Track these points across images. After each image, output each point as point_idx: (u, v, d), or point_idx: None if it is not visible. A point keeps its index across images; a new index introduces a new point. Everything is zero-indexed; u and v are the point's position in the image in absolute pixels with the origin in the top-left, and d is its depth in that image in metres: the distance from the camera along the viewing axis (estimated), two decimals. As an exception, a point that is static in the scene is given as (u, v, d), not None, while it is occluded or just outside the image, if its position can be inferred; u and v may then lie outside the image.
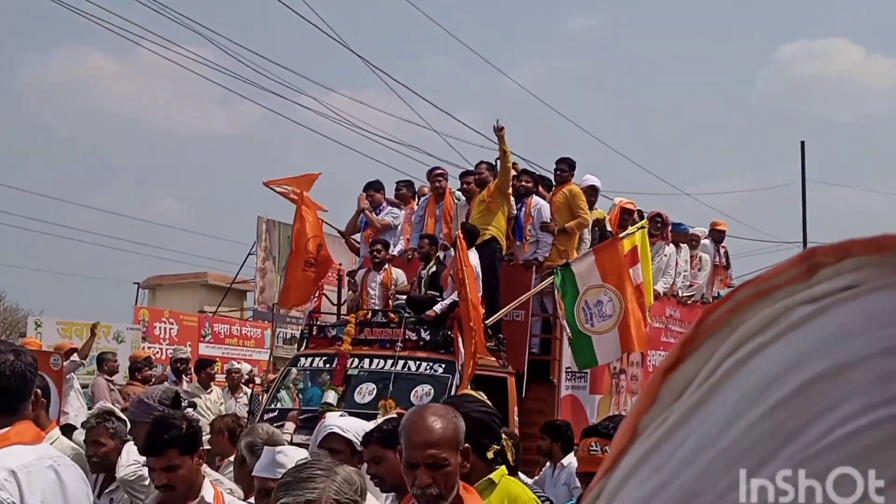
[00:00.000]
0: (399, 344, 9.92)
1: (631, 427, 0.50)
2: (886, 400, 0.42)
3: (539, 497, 4.92)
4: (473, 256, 9.54)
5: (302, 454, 3.93)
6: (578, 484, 5.88)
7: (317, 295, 10.78)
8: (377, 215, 11.13)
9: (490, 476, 4.16)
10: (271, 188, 10.63)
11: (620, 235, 10.56)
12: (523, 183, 10.69)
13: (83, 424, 6.14)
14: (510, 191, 10.41)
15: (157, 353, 17.01)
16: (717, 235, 14.01)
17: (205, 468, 4.60)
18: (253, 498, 4.34)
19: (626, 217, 11.35)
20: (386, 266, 10.55)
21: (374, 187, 11.32)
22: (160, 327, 19.60)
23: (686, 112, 71.54)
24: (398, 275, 10.61)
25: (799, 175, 26.74)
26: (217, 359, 13.13)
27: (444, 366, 9.67)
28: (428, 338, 9.95)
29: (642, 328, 10.25)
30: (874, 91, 70.52)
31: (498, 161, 10.49)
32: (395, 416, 5.81)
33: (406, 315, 10.03)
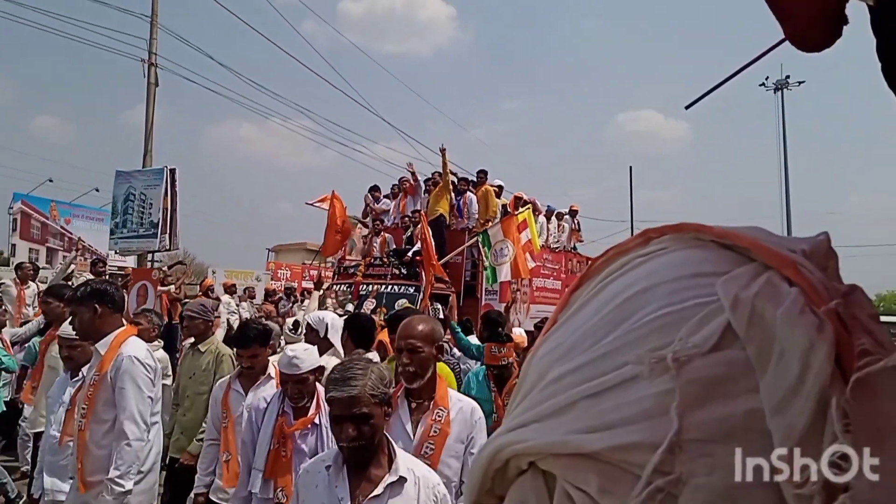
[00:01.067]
0: (389, 276, 14.55)
1: (553, 319, 0.67)
2: (672, 303, 0.57)
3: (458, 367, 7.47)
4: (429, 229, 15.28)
5: (310, 352, 4.59)
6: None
7: (344, 249, 16.06)
8: (377, 205, 17.23)
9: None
10: (309, 204, 16.21)
11: (515, 213, 15.82)
12: (460, 186, 16.35)
13: None
14: (451, 188, 16.06)
15: (279, 286, 24.45)
16: (572, 213, 19.96)
17: None
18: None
19: (517, 201, 16.90)
20: (382, 233, 16.09)
21: (375, 188, 17.47)
22: (280, 273, 29.16)
23: (567, 150, 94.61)
24: (389, 239, 16.03)
25: (628, 185, 40.44)
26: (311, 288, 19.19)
27: (413, 288, 13.71)
28: (405, 272, 14.62)
29: (526, 265, 15.44)
30: (668, 138, 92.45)
31: (440, 172, 16.18)
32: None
33: (393, 260, 14.96)
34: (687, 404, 0.53)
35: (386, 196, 17.77)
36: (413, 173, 16.90)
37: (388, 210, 17.27)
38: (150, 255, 17.98)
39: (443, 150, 15.37)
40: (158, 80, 20.04)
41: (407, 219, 16.03)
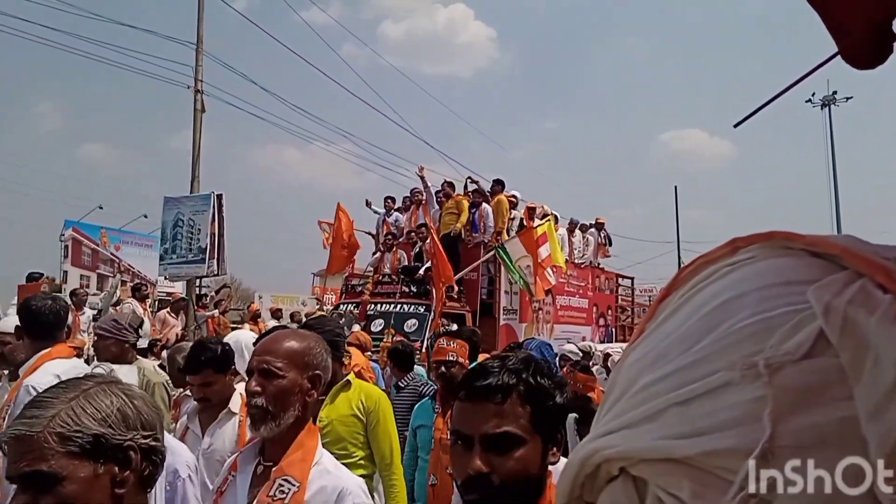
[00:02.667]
0: (398, 294, 14.00)
1: (640, 329, 0.70)
2: (763, 310, 0.59)
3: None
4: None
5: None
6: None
7: (351, 266, 15.47)
8: (389, 218, 16.37)
9: (347, 378, 4.66)
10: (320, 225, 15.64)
11: (534, 226, 15.19)
12: (475, 199, 15.63)
13: None
14: (466, 201, 15.36)
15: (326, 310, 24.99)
16: (599, 225, 19.21)
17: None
18: None
19: (531, 212, 16.13)
20: (394, 248, 15.44)
21: (390, 198, 16.73)
22: (326, 297, 29.10)
23: (609, 170, 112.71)
24: (402, 255, 15.32)
25: (671, 204, 39.74)
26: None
27: (423, 307, 13.39)
28: (415, 290, 14.07)
29: (544, 282, 14.81)
30: (712, 156, 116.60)
31: (450, 182, 15.83)
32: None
33: (402, 277, 14.35)
34: (780, 411, 0.55)
35: (398, 210, 17.02)
36: (423, 178, 16.24)
37: (401, 223, 16.61)
38: (198, 280, 17.84)
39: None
40: (205, 105, 19.95)
41: (414, 234, 15.39)
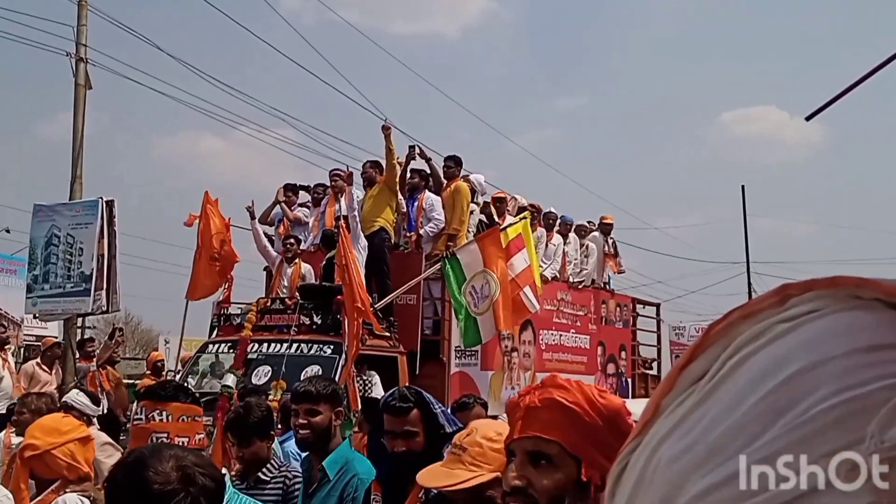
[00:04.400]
0: (294, 328, 11.08)
1: (654, 405, 0.66)
2: (850, 386, 0.55)
3: None
4: (362, 247, 11.09)
5: None
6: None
7: (226, 286, 12.04)
8: (290, 215, 12.84)
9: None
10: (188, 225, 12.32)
11: (503, 226, 11.98)
12: (413, 181, 12.22)
13: None
14: (398, 186, 11.95)
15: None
16: (605, 228, 15.75)
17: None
18: None
19: (498, 204, 12.99)
20: (297, 260, 12.01)
21: (291, 189, 13.02)
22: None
23: (651, 164, 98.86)
24: (307, 270, 12.04)
25: (737, 210, 32.86)
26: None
27: (332, 347, 10.77)
28: (319, 321, 11.14)
29: (522, 308, 11.60)
30: (794, 145, 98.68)
31: (376, 163, 12.20)
32: None
33: (301, 303, 11.26)
34: None
35: (304, 205, 13.67)
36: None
37: (307, 223, 13.38)
38: (80, 320, 16.66)
39: (385, 130, 12.04)
40: (90, 80, 17.90)
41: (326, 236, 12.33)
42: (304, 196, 13.73)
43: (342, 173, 12.36)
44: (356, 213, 11.76)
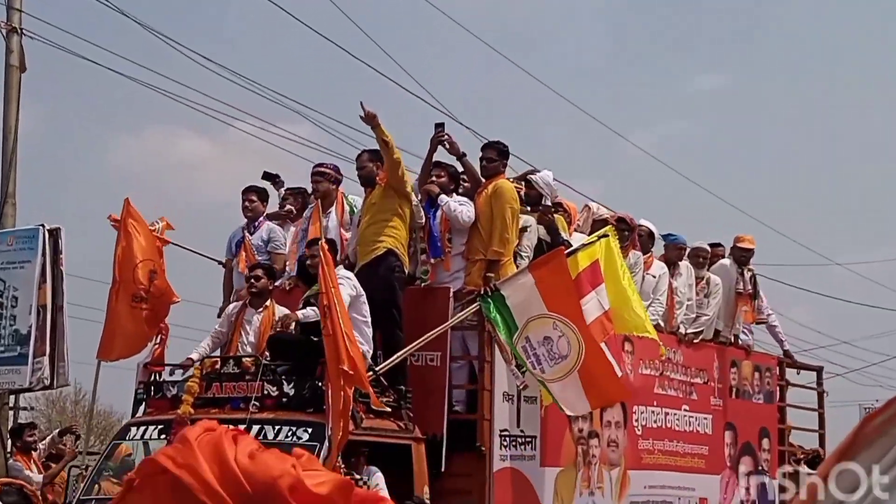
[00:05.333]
0: (254, 403, 8.88)
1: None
2: None
3: None
4: (348, 272, 8.79)
5: None
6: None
7: (158, 340, 9.90)
8: (252, 233, 10.27)
9: None
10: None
11: (573, 247, 9.61)
12: (433, 179, 9.77)
13: None
14: (410, 190, 9.62)
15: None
16: (740, 254, 12.89)
17: None
18: None
19: (557, 213, 10.45)
20: (268, 303, 9.58)
21: (254, 191, 10.49)
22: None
23: (824, 178, 78.09)
24: (280, 314, 9.64)
25: None
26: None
27: (310, 430, 8.75)
28: (292, 392, 8.89)
29: (613, 372, 9.34)
30: None
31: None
32: None
33: (265, 363, 9.03)
34: None
35: (271, 217, 10.88)
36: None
37: (277, 242, 10.65)
38: (11, 398, 15.80)
39: (370, 119, 9.43)
40: (25, 61, 15.44)
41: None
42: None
43: (328, 172, 10.10)
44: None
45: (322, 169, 10.32)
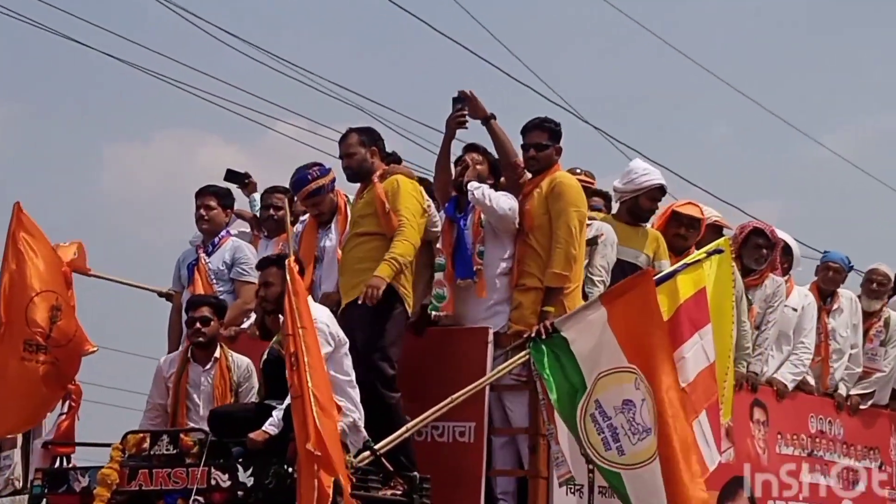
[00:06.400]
0: (196, 499, 7.10)
1: None
2: None
3: None
4: (323, 312, 6.77)
5: None
6: None
7: (65, 408, 7.95)
8: (209, 253, 8.29)
9: None
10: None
11: (671, 268, 7.35)
12: (470, 165, 7.58)
13: None
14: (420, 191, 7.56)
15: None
16: None
17: None
18: None
19: (674, 222, 8.21)
20: (217, 353, 7.62)
21: (212, 193, 8.46)
22: None
23: None
24: (241, 367, 7.75)
25: None
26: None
27: None
28: (250, 482, 7.05)
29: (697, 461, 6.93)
30: None
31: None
32: None
33: (213, 439, 7.23)
34: None
35: (246, 233, 9.37)
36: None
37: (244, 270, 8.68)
38: None
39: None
40: None
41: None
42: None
43: (323, 184, 7.84)
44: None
45: (312, 187, 7.74)
